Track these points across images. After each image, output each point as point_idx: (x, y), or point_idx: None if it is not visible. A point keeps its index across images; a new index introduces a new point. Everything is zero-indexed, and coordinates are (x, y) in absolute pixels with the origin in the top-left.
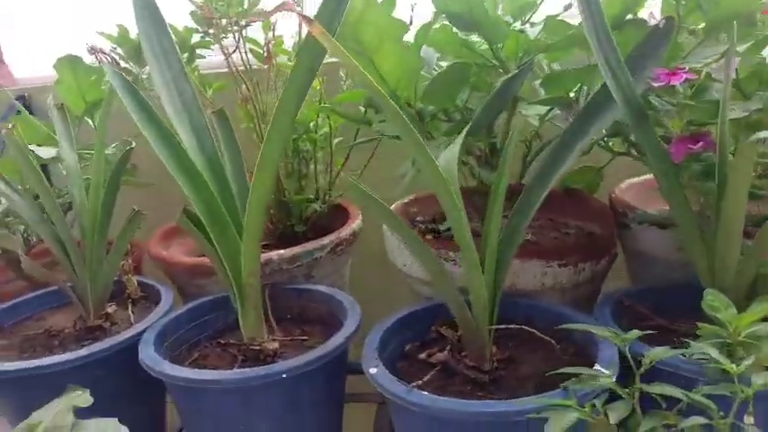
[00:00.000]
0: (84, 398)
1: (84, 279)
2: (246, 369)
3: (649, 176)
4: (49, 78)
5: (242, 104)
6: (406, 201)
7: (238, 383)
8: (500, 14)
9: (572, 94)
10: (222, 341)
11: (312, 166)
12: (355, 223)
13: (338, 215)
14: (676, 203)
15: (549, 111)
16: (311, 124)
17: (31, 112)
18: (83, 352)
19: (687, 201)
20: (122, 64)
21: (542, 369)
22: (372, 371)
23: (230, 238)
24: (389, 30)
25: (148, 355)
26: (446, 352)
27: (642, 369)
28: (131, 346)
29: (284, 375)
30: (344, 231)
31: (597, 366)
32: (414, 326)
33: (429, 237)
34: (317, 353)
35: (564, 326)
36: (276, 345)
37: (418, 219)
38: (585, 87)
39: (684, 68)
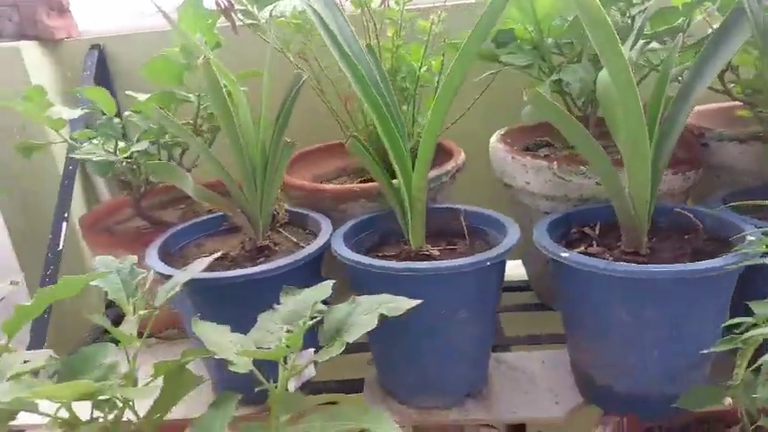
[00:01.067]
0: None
1: (256, 205)
2: (459, 258)
3: (713, 105)
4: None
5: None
6: (502, 132)
7: (451, 270)
8: None
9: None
10: (388, 251)
11: (410, 105)
12: (461, 155)
13: (438, 151)
14: None
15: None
16: (416, 64)
17: (105, 63)
18: (285, 260)
19: None
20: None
21: (689, 250)
22: (565, 254)
23: (404, 158)
24: None
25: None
26: (594, 246)
27: None
28: (317, 257)
29: (488, 263)
30: (459, 159)
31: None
32: (559, 228)
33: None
34: (502, 248)
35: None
36: (437, 252)
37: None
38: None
39: None
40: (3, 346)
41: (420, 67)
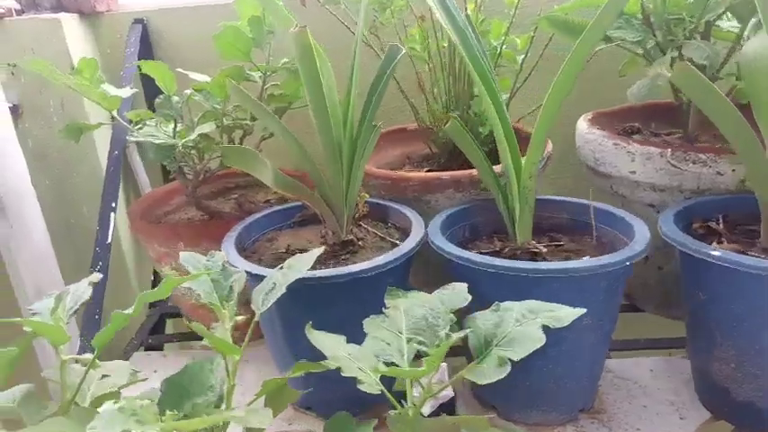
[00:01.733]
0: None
1: (340, 194)
2: (592, 258)
3: None
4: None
5: None
6: (590, 117)
7: (590, 270)
8: None
9: None
10: (482, 246)
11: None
12: (548, 143)
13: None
14: None
15: None
16: (495, 41)
17: (148, 39)
18: (385, 258)
19: None
20: None
21: None
22: (716, 253)
23: (513, 141)
24: None
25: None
26: (725, 243)
27: None
28: (413, 255)
29: (627, 264)
30: (548, 147)
31: None
32: (678, 222)
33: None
34: (633, 250)
35: None
36: (544, 249)
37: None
38: None
39: None
40: (87, 359)
41: (502, 45)
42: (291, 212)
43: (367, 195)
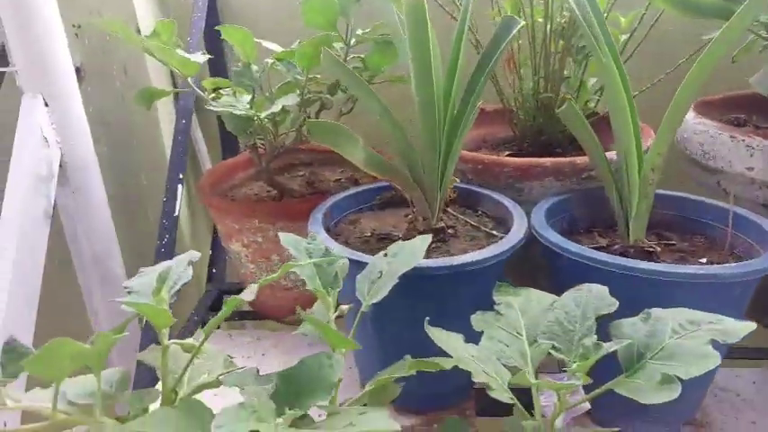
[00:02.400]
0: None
1: (435, 177)
2: (735, 264)
3: None
4: None
5: None
6: (693, 105)
7: (732, 277)
8: None
9: None
10: (583, 241)
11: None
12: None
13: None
14: None
15: None
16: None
17: (215, 5)
18: (495, 249)
19: None
20: None
21: None
22: None
23: (636, 125)
24: None
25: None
26: None
27: None
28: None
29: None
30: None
31: None
32: None
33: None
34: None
35: None
36: (658, 249)
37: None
38: None
39: None
40: (191, 345)
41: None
42: (372, 194)
43: (456, 180)
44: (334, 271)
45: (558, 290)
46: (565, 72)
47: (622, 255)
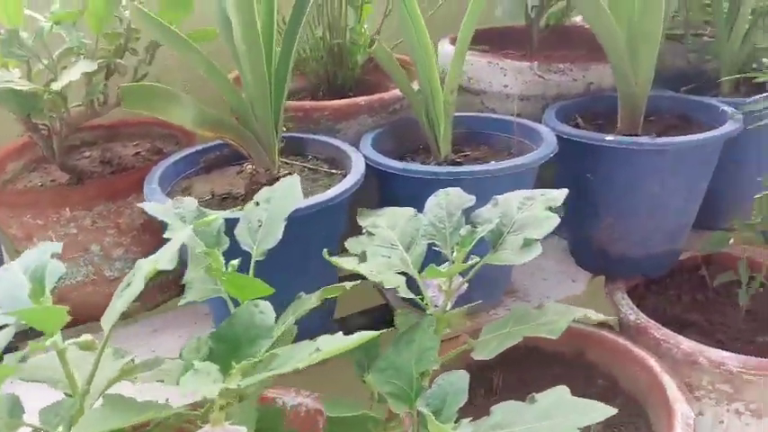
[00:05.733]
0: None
1: (270, 127)
2: (531, 154)
3: None
4: None
5: None
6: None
7: (526, 165)
8: None
9: None
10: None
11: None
12: None
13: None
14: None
15: None
16: None
17: None
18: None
19: None
20: None
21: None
22: (609, 138)
23: (432, 60)
24: None
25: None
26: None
27: None
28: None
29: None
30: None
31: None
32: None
33: None
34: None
35: None
36: (460, 160)
37: None
38: None
39: None
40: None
41: None
42: (196, 158)
43: (285, 128)
44: (214, 230)
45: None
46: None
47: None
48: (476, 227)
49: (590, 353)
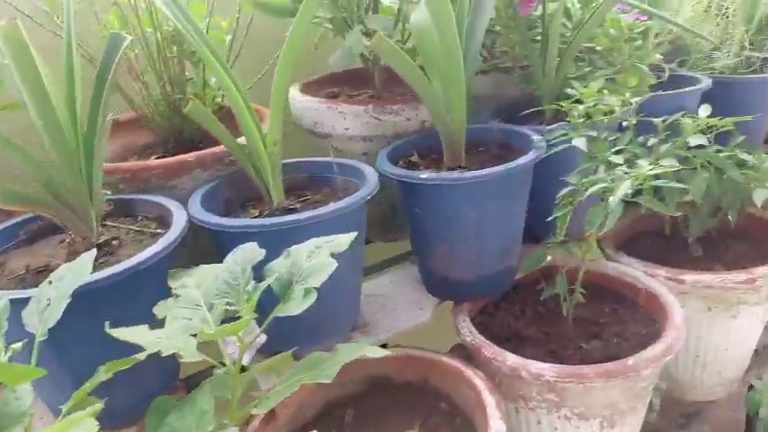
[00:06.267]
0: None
1: (83, 194)
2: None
3: None
4: None
5: None
6: (299, 87)
7: (338, 211)
8: None
9: None
10: (242, 215)
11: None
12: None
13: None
14: (527, 49)
15: None
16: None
17: None
18: (164, 241)
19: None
20: None
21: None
22: (424, 176)
23: (252, 113)
24: None
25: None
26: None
27: None
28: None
29: (367, 199)
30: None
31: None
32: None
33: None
34: (368, 189)
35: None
36: (298, 205)
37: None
38: None
39: None
40: None
41: (207, 27)
42: (14, 230)
43: (108, 192)
44: None
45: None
46: (187, 74)
47: (272, 217)
48: (263, 280)
49: (432, 378)
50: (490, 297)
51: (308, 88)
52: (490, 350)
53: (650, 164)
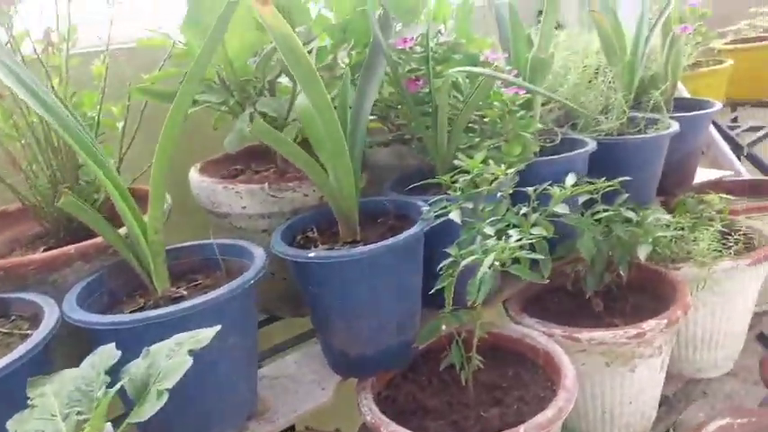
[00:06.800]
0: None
1: None
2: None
3: None
4: None
5: None
6: (199, 168)
7: (219, 298)
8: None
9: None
10: (126, 308)
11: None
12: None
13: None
14: (418, 122)
15: None
16: (90, 112)
17: None
18: (23, 348)
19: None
20: None
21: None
22: (311, 254)
23: (132, 205)
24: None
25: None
26: (320, 245)
27: None
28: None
29: (252, 282)
30: (168, 201)
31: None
32: (285, 239)
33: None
34: (254, 270)
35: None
36: (185, 292)
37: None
38: None
39: (406, 38)
40: None
41: (99, 115)
42: None
43: None
44: None
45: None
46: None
47: (156, 307)
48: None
49: None
50: (395, 370)
51: (210, 167)
52: (389, 428)
53: (521, 233)
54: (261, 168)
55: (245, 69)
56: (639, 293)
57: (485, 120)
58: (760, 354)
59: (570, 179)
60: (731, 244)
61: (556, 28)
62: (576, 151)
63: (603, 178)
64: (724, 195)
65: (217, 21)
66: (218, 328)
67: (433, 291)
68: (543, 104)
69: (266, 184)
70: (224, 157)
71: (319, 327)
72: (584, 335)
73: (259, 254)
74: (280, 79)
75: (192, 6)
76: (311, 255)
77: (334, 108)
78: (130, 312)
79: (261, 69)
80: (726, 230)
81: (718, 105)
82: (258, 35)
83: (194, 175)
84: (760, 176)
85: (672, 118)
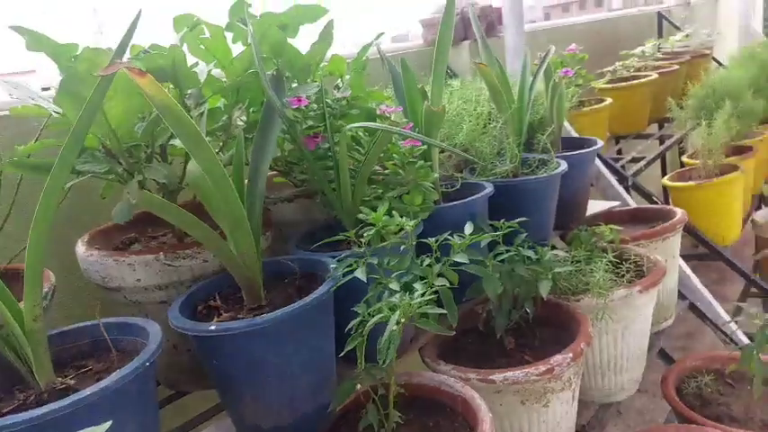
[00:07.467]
0: None
1: None
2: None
3: None
4: None
5: None
6: (86, 240)
7: (107, 390)
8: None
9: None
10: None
11: None
12: (51, 276)
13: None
14: (320, 177)
15: None
16: None
17: None
18: None
19: (325, 174)
20: None
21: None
22: (212, 327)
23: (5, 292)
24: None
25: None
26: (224, 314)
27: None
28: None
29: (146, 365)
30: (51, 279)
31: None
32: (186, 310)
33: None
34: (148, 351)
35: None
36: (72, 381)
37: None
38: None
39: (301, 97)
40: None
41: None
42: None
43: None
44: None
45: None
46: None
47: (39, 404)
48: None
49: None
50: None
51: (99, 237)
52: None
53: (425, 285)
54: (158, 233)
55: (132, 135)
56: (546, 327)
57: (386, 171)
58: (663, 369)
59: (468, 228)
60: (623, 272)
61: (450, 77)
62: (474, 196)
63: (503, 219)
64: (614, 226)
65: (93, 92)
66: (109, 424)
67: (343, 353)
68: (441, 152)
69: (161, 253)
70: (114, 225)
71: (227, 401)
72: (498, 375)
73: (154, 331)
74: (173, 141)
75: (67, 77)
76: (212, 327)
77: (231, 166)
78: (6, 414)
79: (148, 134)
80: (617, 260)
81: (601, 143)
82: (143, 99)
83: (81, 248)
84: (645, 204)
85: (560, 157)
